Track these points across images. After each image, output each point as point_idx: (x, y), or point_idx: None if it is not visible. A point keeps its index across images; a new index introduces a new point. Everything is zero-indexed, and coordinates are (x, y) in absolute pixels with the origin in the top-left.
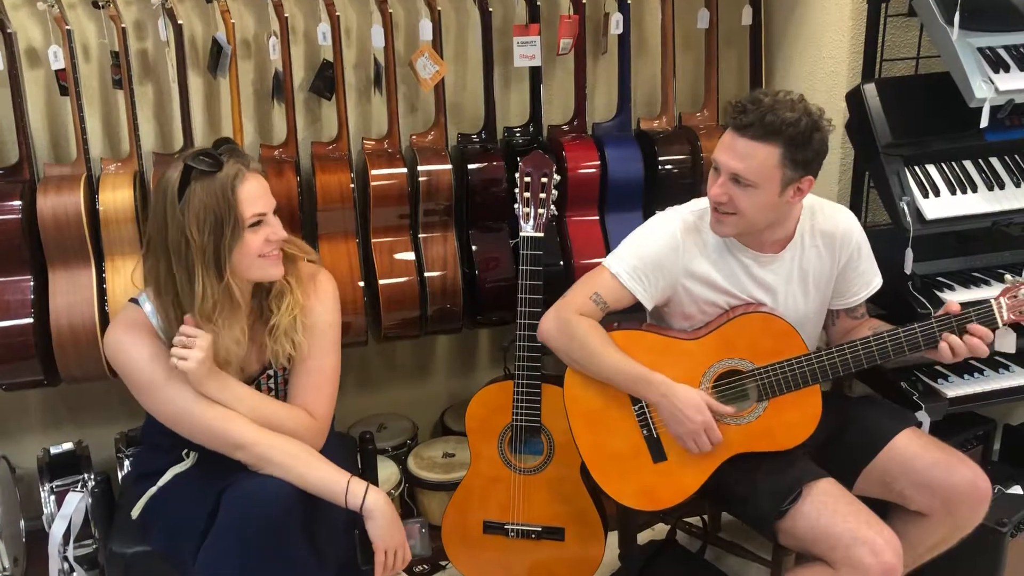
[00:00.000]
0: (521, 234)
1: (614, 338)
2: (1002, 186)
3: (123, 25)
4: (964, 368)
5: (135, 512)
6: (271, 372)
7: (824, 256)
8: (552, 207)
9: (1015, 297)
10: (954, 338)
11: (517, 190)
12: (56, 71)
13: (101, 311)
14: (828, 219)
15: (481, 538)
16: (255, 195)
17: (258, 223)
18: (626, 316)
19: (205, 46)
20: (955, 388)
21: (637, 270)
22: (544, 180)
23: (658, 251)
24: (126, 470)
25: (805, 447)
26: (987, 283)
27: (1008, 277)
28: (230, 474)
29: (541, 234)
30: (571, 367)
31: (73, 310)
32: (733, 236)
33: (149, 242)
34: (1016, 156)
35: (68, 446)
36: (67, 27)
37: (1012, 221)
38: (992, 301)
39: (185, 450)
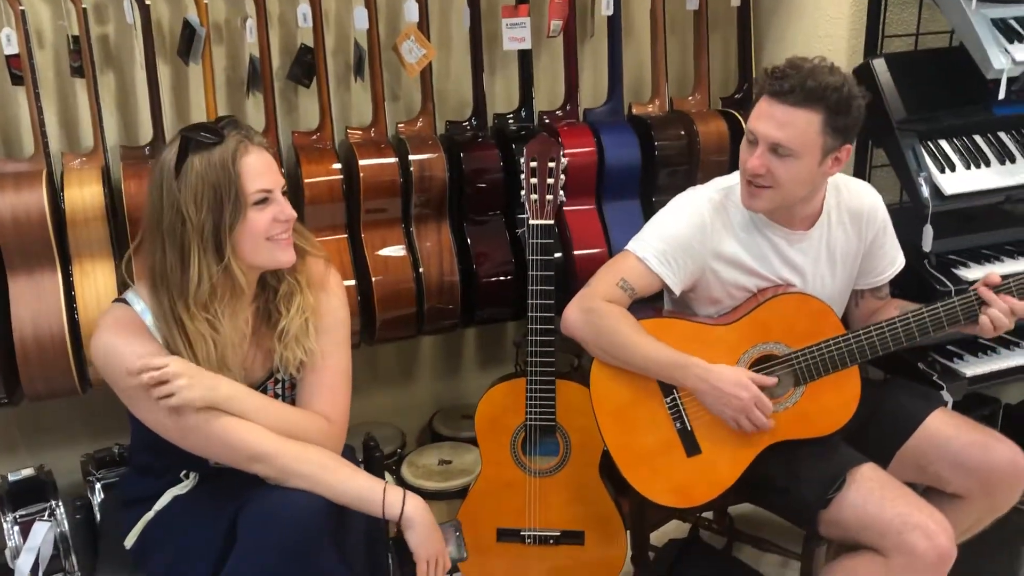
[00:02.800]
0: (530, 222)
1: (643, 326)
2: (1013, 160)
3: (83, 6)
4: (977, 347)
5: (129, 541)
6: (279, 377)
7: (851, 234)
8: (561, 193)
9: None
10: (994, 310)
11: (523, 176)
12: (8, 57)
13: (71, 319)
14: (854, 196)
15: (495, 547)
16: (259, 169)
17: (263, 200)
18: (639, 306)
19: (172, 30)
20: (972, 367)
21: (665, 254)
22: (552, 165)
23: (686, 233)
24: (99, 495)
25: (840, 433)
26: (998, 259)
27: None
28: (243, 491)
29: (551, 221)
30: (598, 359)
31: (39, 319)
32: (764, 211)
33: (144, 231)
34: (1023, 130)
35: (29, 472)
36: (20, 7)
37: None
38: None
39: (184, 471)
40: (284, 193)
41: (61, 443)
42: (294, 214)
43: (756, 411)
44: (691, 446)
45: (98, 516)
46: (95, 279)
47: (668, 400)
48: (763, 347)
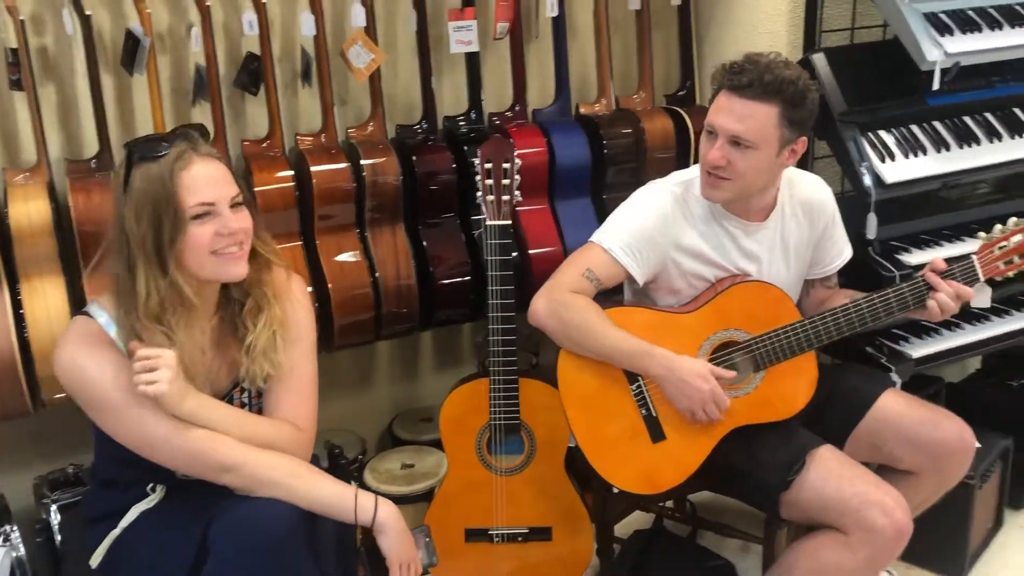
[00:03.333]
0: (487, 223)
1: (608, 315)
2: (948, 148)
3: (20, 18)
4: (921, 329)
5: (95, 560)
6: (244, 387)
7: (803, 225)
8: (517, 193)
9: (991, 253)
10: (942, 295)
11: (478, 178)
12: None
13: (20, 338)
14: (806, 189)
15: (464, 547)
16: (200, 182)
17: (205, 214)
18: (600, 298)
19: (112, 40)
20: (918, 348)
21: (630, 245)
22: (506, 166)
23: (649, 225)
24: (55, 517)
25: (797, 418)
26: (937, 244)
27: (982, 234)
28: (212, 503)
29: (508, 222)
30: (565, 349)
31: None
32: (725, 202)
33: (104, 243)
34: (955, 119)
35: None
36: None
37: (959, 182)
38: (973, 257)
39: (150, 484)
40: (239, 204)
41: (10, 467)
42: (242, 227)
43: (712, 404)
44: (656, 432)
45: (58, 537)
46: (44, 296)
47: (634, 387)
48: (724, 334)
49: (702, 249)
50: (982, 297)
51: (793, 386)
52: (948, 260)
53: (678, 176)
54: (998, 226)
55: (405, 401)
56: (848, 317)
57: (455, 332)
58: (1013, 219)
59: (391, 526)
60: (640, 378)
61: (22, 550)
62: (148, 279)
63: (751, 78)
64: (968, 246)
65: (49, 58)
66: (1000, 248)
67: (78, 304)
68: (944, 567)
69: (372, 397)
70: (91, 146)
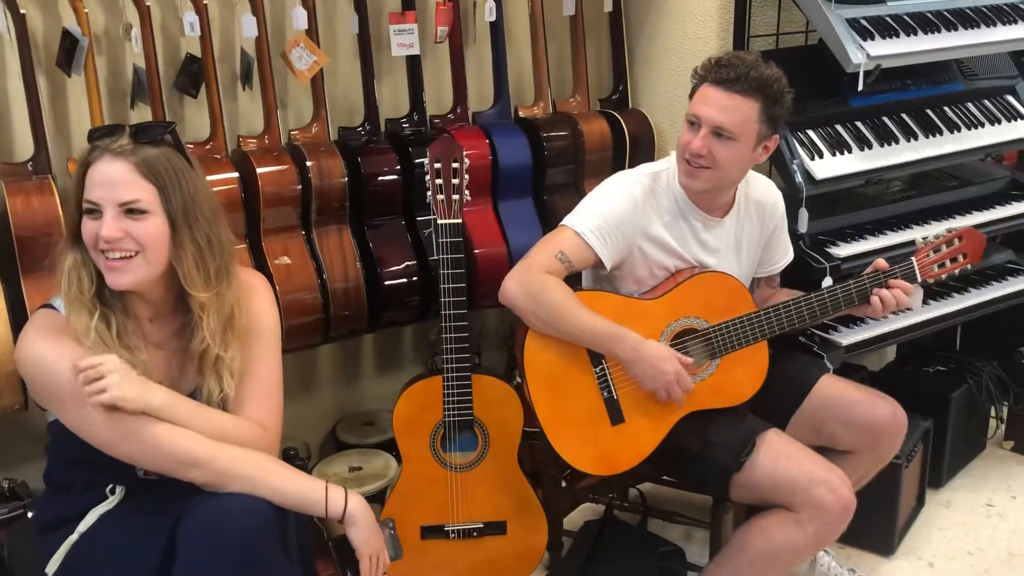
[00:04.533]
0: (438, 222)
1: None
2: (871, 146)
3: None
4: (848, 319)
5: (51, 568)
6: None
7: (756, 224)
8: (466, 192)
9: (927, 256)
10: (884, 292)
11: (428, 178)
12: None
13: None
14: (760, 190)
15: (420, 544)
16: (97, 180)
17: (90, 211)
18: None
19: (46, 40)
20: (847, 337)
21: (601, 229)
22: (456, 165)
23: (619, 211)
24: None
25: (746, 403)
26: (862, 237)
27: (919, 239)
28: (177, 502)
29: (459, 220)
30: (534, 328)
31: None
32: (700, 191)
33: None
34: (875, 119)
35: None
36: None
37: (881, 178)
38: (912, 259)
39: (109, 486)
40: (138, 212)
41: None
42: (115, 236)
43: (677, 387)
44: (616, 415)
45: (6, 554)
46: None
47: (597, 370)
48: (685, 321)
49: (666, 239)
50: (916, 297)
51: (746, 373)
52: (884, 252)
53: (647, 168)
54: (933, 232)
55: (347, 405)
56: (799, 310)
57: (396, 335)
58: (946, 226)
59: (361, 518)
60: (604, 361)
61: None
62: (66, 258)
63: (738, 73)
64: (888, 239)
65: None
66: (935, 252)
67: (16, 309)
68: (875, 545)
69: (314, 402)
70: (23, 148)
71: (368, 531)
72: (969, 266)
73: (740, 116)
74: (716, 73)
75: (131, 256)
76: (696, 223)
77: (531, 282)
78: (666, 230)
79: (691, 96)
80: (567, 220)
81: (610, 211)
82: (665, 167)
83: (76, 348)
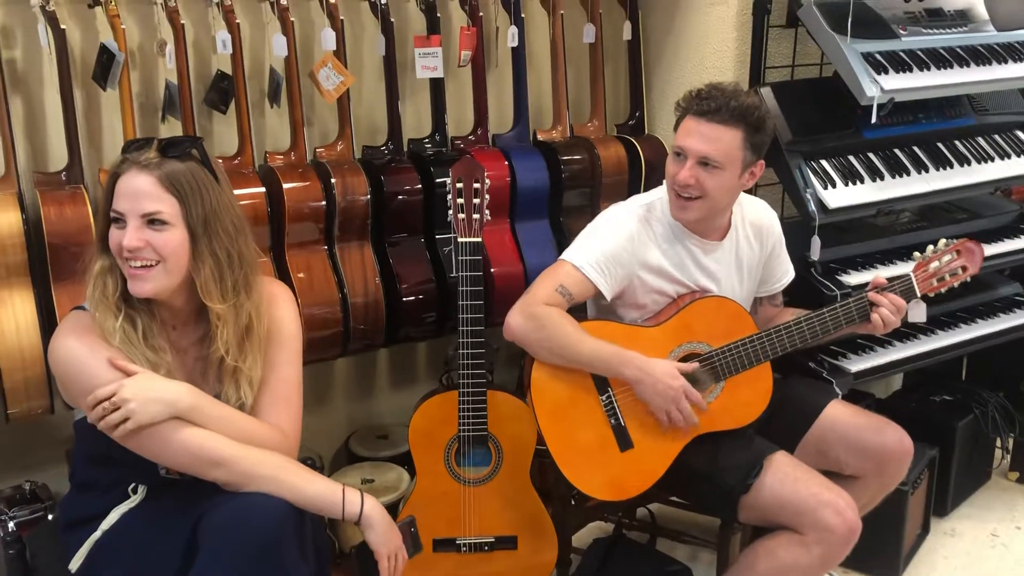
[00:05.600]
0: (458, 240)
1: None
2: (882, 177)
3: None
4: (858, 346)
5: (75, 564)
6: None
7: (754, 245)
8: (487, 212)
9: (925, 271)
10: (884, 310)
11: (449, 197)
12: None
13: None
14: (755, 212)
15: (431, 557)
16: (125, 191)
17: (116, 220)
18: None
19: (83, 55)
20: (856, 363)
21: (599, 262)
22: (477, 185)
23: (616, 244)
24: (12, 531)
25: (752, 426)
26: (872, 267)
27: (917, 254)
28: (198, 502)
29: (479, 239)
30: (540, 359)
31: None
32: (693, 221)
33: None
34: (887, 151)
35: None
36: None
37: (892, 208)
38: (911, 274)
39: (132, 485)
40: (161, 223)
41: None
42: (135, 245)
43: (684, 401)
44: (624, 441)
45: (28, 552)
46: (13, 308)
47: (603, 398)
48: (688, 346)
49: (664, 267)
50: (918, 312)
51: (751, 395)
52: (888, 278)
53: (640, 199)
54: (930, 246)
55: (361, 419)
56: (800, 331)
57: (411, 351)
58: (943, 240)
59: (377, 520)
60: (610, 389)
61: None
62: (95, 263)
63: (719, 104)
64: (899, 268)
65: (18, 71)
66: (933, 266)
67: (48, 317)
68: (880, 571)
69: (328, 415)
70: (56, 159)
71: (385, 532)
72: (969, 278)
73: (724, 145)
74: (698, 105)
75: (152, 265)
76: (694, 248)
77: (534, 315)
78: (664, 257)
79: (675, 129)
80: (566, 254)
81: (607, 244)
82: (658, 196)
83: (105, 347)
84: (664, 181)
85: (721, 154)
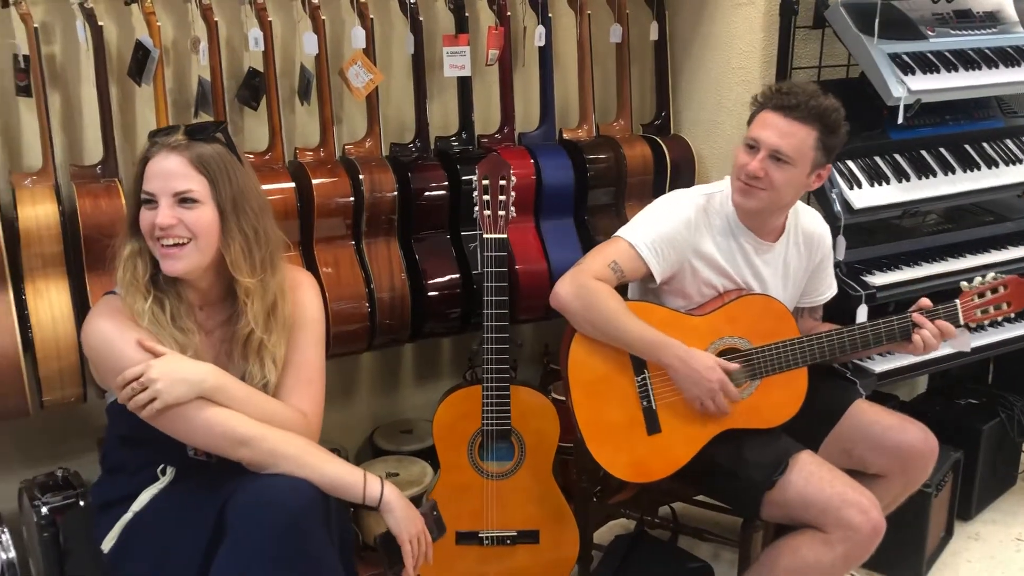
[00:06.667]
0: (484, 236)
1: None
2: (908, 178)
3: (35, 25)
4: None
5: (107, 544)
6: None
7: (803, 254)
8: (512, 208)
9: (971, 301)
10: (925, 332)
11: (476, 194)
12: None
13: (24, 339)
14: (809, 221)
15: (454, 550)
16: (154, 172)
17: (147, 201)
18: None
19: (119, 51)
20: (880, 364)
21: (655, 243)
22: (503, 182)
23: (674, 227)
24: (45, 515)
25: (781, 426)
26: (897, 268)
27: (964, 284)
28: (225, 483)
29: (504, 235)
30: (581, 332)
31: None
32: (752, 210)
33: None
34: (914, 152)
35: None
36: None
37: (918, 210)
38: (956, 302)
39: (160, 466)
40: (190, 201)
41: None
42: (169, 223)
43: (720, 395)
44: (652, 425)
45: (62, 536)
46: (49, 298)
47: (638, 379)
48: (729, 340)
49: (716, 258)
50: (963, 340)
51: (784, 397)
52: (923, 292)
53: (703, 188)
54: (978, 277)
55: (385, 414)
56: (842, 340)
57: (435, 346)
58: (991, 274)
59: (397, 504)
60: (646, 371)
61: (12, 553)
62: (124, 247)
63: (799, 101)
64: (923, 270)
65: (56, 66)
66: (980, 297)
67: (82, 307)
68: (903, 573)
69: (353, 410)
70: (91, 152)
71: (405, 516)
72: (1013, 314)
73: (797, 142)
74: (777, 99)
75: (184, 243)
76: (747, 245)
77: (584, 287)
78: (717, 249)
79: (750, 122)
80: (622, 231)
81: (665, 226)
82: (719, 188)
83: (135, 328)
84: (729, 173)
85: (793, 150)
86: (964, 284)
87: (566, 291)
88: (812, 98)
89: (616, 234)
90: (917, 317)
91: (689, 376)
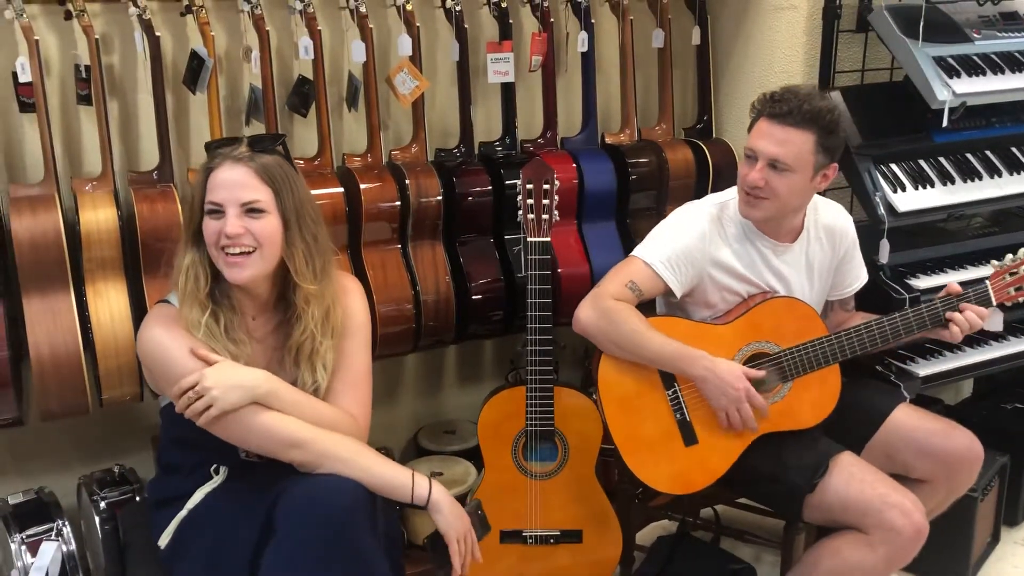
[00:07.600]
0: (527, 240)
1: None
2: (953, 181)
3: (96, 36)
4: (926, 351)
5: (163, 540)
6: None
7: (826, 248)
8: (555, 212)
9: (1002, 280)
10: (959, 316)
11: (520, 198)
12: (20, 85)
13: (85, 339)
14: (828, 214)
15: (498, 548)
16: (220, 183)
17: (213, 211)
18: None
19: (174, 60)
20: (924, 368)
21: (670, 260)
22: (546, 187)
23: (688, 242)
24: (104, 509)
25: (819, 427)
26: (941, 271)
27: (995, 262)
28: (275, 483)
29: (548, 239)
30: (607, 353)
31: (55, 339)
32: (760, 220)
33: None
34: (959, 155)
35: (29, 494)
36: (35, 37)
37: (963, 213)
38: (987, 282)
39: (214, 466)
40: (257, 212)
41: (53, 467)
42: (236, 232)
43: (746, 404)
44: (689, 436)
45: (121, 529)
46: (108, 300)
47: (669, 393)
48: (756, 345)
49: (735, 266)
50: (995, 320)
51: (818, 396)
52: (962, 284)
53: (714, 198)
54: (1009, 255)
55: (428, 415)
56: (871, 333)
57: (478, 348)
58: (1022, 250)
59: (445, 503)
60: (676, 384)
61: (72, 545)
62: (185, 255)
63: (791, 107)
64: (969, 274)
65: (115, 75)
66: (1011, 275)
67: (139, 309)
68: None
69: (398, 411)
70: (148, 158)
71: (453, 515)
72: None
73: (795, 148)
74: (770, 107)
75: (250, 252)
76: (765, 249)
77: (604, 309)
78: (734, 257)
79: (749, 130)
80: (637, 251)
81: (679, 241)
82: (731, 196)
83: (189, 338)
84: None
85: (791, 157)
86: (994, 263)
87: (587, 315)
88: (805, 102)
89: (632, 253)
90: (951, 314)
91: (717, 386)
